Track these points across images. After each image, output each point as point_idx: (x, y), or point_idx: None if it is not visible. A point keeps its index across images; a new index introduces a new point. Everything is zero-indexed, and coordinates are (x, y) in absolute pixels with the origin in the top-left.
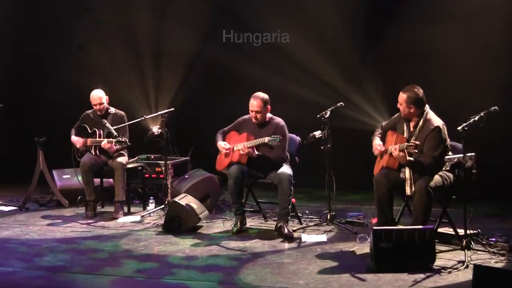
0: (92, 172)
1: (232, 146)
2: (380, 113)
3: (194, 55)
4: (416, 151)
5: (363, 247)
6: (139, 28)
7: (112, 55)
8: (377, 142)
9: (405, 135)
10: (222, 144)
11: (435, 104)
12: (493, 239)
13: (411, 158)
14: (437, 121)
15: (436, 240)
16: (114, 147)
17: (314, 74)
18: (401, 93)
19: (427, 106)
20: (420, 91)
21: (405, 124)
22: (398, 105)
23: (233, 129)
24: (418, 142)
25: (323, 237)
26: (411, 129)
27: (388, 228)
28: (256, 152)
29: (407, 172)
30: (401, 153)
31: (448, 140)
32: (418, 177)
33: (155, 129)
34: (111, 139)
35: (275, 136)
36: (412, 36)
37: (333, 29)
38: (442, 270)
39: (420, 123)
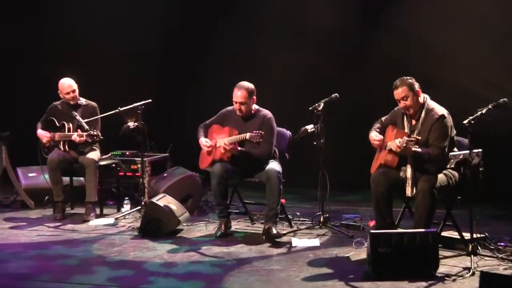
0: (61, 169)
1: (215, 142)
2: (379, 105)
3: (175, 41)
4: (417, 146)
5: (359, 253)
6: (114, 11)
7: (82, 41)
8: (373, 134)
9: (405, 130)
10: (203, 141)
11: (439, 95)
12: (502, 243)
13: (418, 149)
14: (440, 109)
15: (439, 245)
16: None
17: (307, 62)
18: (397, 90)
19: (426, 96)
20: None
21: (405, 118)
22: (402, 104)
23: (216, 122)
24: (420, 138)
25: (316, 242)
26: (413, 122)
27: (387, 231)
28: (239, 148)
29: (408, 171)
30: (403, 147)
31: (454, 131)
32: (421, 176)
33: (131, 122)
34: (81, 133)
35: (257, 132)
36: (414, 22)
37: (327, 13)
38: (446, 278)
39: (422, 114)
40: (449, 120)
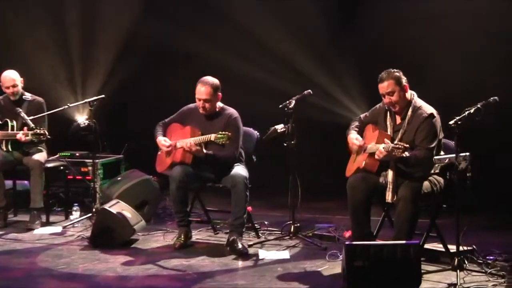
0: (3, 172)
1: (175, 143)
2: (357, 102)
3: (132, 30)
4: (404, 154)
5: (333, 266)
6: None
7: (29, 28)
8: (353, 135)
9: (388, 130)
10: (161, 140)
11: (425, 94)
12: (491, 257)
13: (406, 153)
14: (429, 108)
15: (422, 258)
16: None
17: (277, 55)
18: (382, 83)
19: (413, 93)
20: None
21: (388, 116)
22: (387, 99)
23: (176, 121)
24: (408, 146)
25: (285, 254)
26: (398, 121)
27: (365, 243)
28: (205, 151)
29: (389, 175)
30: (386, 154)
31: (442, 133)
32: (403, 181)
33: (81, 120)
34: (27, 131)
35: (223, 133)
36: (397, 11)
37: (299, 2)
38: None
39: (409, 113)
40: (438, 120)
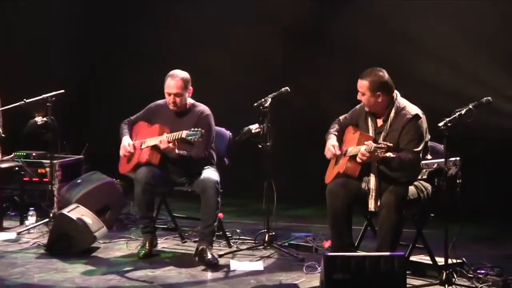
0: None
1: (140, 142)
2: (339, 101)
3: (94, 18)
4: (388, 154)
5: (311, 279)
6: None
7: None
8: (331, 142)
9: (370, 132)
10: (125, 141)
11: (410, 93)
12: (482, 271)
13: (390, 154)
14: (414, 108)
15: (407, 271)
16: None
17: (253, 49)
18: (360, 79)
19: (396, 92)
20: (385, 74)
21: (369, 118)
22: (359, 96)
23: (143, 119)
24: (391, 144)
25: (259, 265)
26: (380, 123)
27: (345, 254)
28: (177, 151)
29: (371, 182)
30: (369, 155)
31: (428, 135)
32: (387, 187)
33: (39, 117)
34: None
35: (196, 129)
36: (387, 8)
37: None
38: None
39: (392, 114)
40: (424, 121)
